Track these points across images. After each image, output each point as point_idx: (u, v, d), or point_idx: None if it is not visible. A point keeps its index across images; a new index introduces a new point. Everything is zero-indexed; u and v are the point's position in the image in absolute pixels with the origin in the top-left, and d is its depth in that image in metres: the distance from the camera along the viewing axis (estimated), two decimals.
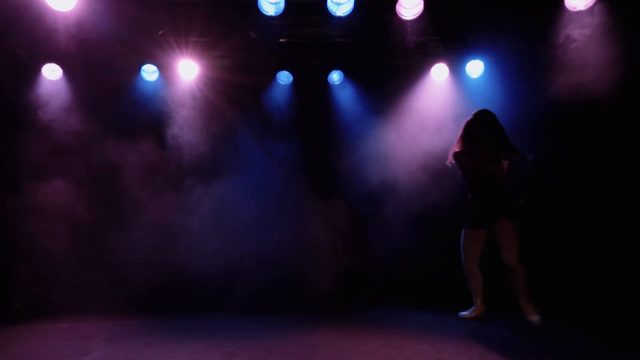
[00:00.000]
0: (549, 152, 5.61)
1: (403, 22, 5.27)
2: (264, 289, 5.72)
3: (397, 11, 5.21)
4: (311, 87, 6.34)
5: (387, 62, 6.18)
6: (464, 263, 4.39)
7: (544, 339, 3.80)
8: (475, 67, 5.98)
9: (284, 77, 6.29)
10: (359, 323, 4.07)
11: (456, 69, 6.07)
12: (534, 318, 4.06)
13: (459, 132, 4.35)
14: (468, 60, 5.95)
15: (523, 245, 5.62)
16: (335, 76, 6.32)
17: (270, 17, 5.26)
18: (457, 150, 4.29)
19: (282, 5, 5.18)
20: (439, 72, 6.07)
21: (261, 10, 5.19)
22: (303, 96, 6.34)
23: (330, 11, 5.17)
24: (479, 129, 4.23)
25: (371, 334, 3.92)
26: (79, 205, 5.66)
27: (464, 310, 4.53)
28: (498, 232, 4.19)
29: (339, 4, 5.16)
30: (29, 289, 5.53)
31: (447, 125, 5.98)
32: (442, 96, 6.13)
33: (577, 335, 3.92)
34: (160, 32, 5.57)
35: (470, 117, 4.32)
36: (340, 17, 5.20)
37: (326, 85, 6.36)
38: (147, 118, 6.06)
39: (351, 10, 5.14)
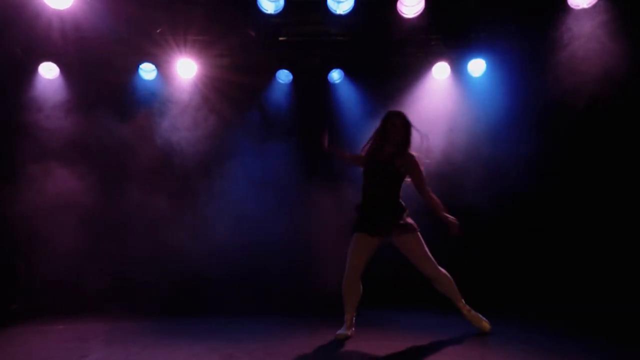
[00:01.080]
0: (550, 151, 5.63)
1: (404, 20, 5.28)
2: (263, 290, 5.73)
3: (398, 9, 5.21)
4: (311, 86, 6.34)
5: (387, 60, 6.18)
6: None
7: (545, 339, 3.81)
8: (477, 66, 5.98)
9: (284, 76, 6.29)
10: (359, 324, 4.06)
11: (458, 68, 6.06)
12: (485, 325, 3.83)
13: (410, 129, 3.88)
14: (470, 59, 5.95)
15: (523, 245, 5.69)
16: (336, 75, 6.32)
17: (270, 15, 5.26)
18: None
19: (281, 3, 5.18)
20: (440, 71, 6.07)
21: (260, 8, 5.19)
22: (303, 95, 6.34)
23: (331, 9, 5.17)
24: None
25: (372, 335, 3.92)
26: (76, 205, 5.66)
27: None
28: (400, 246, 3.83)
29: (339, 2, 5.17)
30: (26, 290, 5.54)
31: (448, 124, 5.99)
32: (444, 95, 6.13)
33: (578, 335, 3.93)
34: (158, 31, 5.57)
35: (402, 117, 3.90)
36: (340, 15, 5.21)
37: (326, 84, 6.36)
38: (145, 117, 6.06)
39: (351, 8, 5.14)
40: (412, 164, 3.82)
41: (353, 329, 3.93)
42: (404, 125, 3.87)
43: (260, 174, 6.04)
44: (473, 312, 3.88)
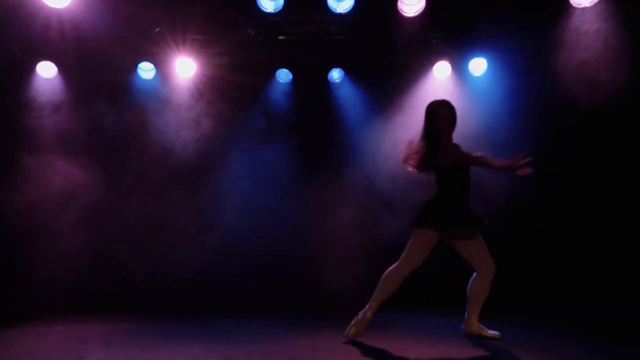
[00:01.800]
0: (553, 151, 5.63)
1: (404, 19, 5.27)
2: (263, 291, 5.74)
3: (398, 8, 5.21)
4: (311, 85, 6.35)
5: (388, 59, 6.18)
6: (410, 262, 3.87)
7: (551, 340, 3.82)
8: (478, 65, 5.98)
9: (284, 76, 6.29)
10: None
11: (459, 67, 6.06)
12: (495, 334, 3.76)
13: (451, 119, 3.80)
14: (471, 58, 5.95)
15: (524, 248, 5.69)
16: (336, 74, 6.32)
17: (269, 14, 5.26)
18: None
19: (281, 2, 5.18)
20: (441, 70, 6.06)
21: (260, 7, 5.19)
22: (303, 95, 6.35)
23: (331, 8, 5.18)
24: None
25: (373, 337, 3.93)
26: (75, 204, 5.67)
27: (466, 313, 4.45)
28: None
29: (339, 1, 5.17)
30: (25, 290, 5.54)
31: None
32: (444, 94, 6.11)
33: (579, 335, 3.94)
34: (157, 30, 5.57)
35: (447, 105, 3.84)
36: (340, 14, 5.20)
37: (326, 84, 6.36)
38: (144, 116, 6.06)
39: (352, 7, 5.14)
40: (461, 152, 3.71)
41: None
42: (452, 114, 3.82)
43: (260, 173, 6.04)
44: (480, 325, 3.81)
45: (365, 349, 3.59)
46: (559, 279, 5.48)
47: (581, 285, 5.25)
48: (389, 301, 5.40)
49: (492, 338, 3.75)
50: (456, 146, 3.74)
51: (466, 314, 3.82)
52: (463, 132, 5.91)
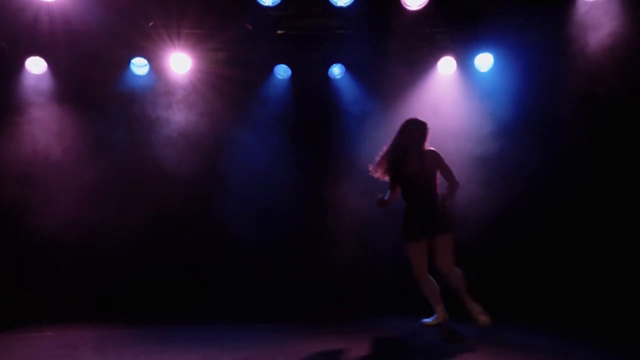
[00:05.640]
0: (562, 150, 5.63)
1: (408, 13, 5.26)
2: (262, 296, 5.74)
3: (401, 1, 5.20)
4: (311, 81, 6.34)
5: (390, 55, 6.17)
6: (414, 273, 4.21)
7: (554, 344, 3.82)
8: (484, 61, 5.97)
9: (282, 71, 6.28)
10: (362, 331, 4.08)
11: (464, 62, 6.06)
12: (482, 319, 3.97)
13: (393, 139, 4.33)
14: (477, 53, 5.95)
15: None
16: (336, 70, 6.32)
17: (267, 7, 5.25)
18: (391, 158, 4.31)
19: None
20: (446, 66, 6.06)
21: (257, 0, 5.19)
22: (302, 91, 6.34)
23: (331, 1, 5.17)
24: (418, 139, 4.27)
25: (375, 343, 3.93)
26: (65, 205, 5.67)
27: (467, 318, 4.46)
28: (435, 243, 4.12)
29: None
30: (13, 294, 5.54)
31: (453, 121, 5.99)
32: (450, 91, 6.13)
33: (588, 340, 3.95)
34: (151, 23, 5.57)
35: (410, 124, 4.31)
36: (341, 7, 5.20)
37: (327, 80, 6.36)
38: (136, 114, 6.06)
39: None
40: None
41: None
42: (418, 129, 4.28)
43: (256, 172, 6.04)
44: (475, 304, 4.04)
45: (367, 355, 3.59)
46: (560, 279, 5.49)
47: (582, 284, 5.25)
48: (389, 306, 5.43)
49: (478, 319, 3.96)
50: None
51: None
52: (469, 129, 5.97)
